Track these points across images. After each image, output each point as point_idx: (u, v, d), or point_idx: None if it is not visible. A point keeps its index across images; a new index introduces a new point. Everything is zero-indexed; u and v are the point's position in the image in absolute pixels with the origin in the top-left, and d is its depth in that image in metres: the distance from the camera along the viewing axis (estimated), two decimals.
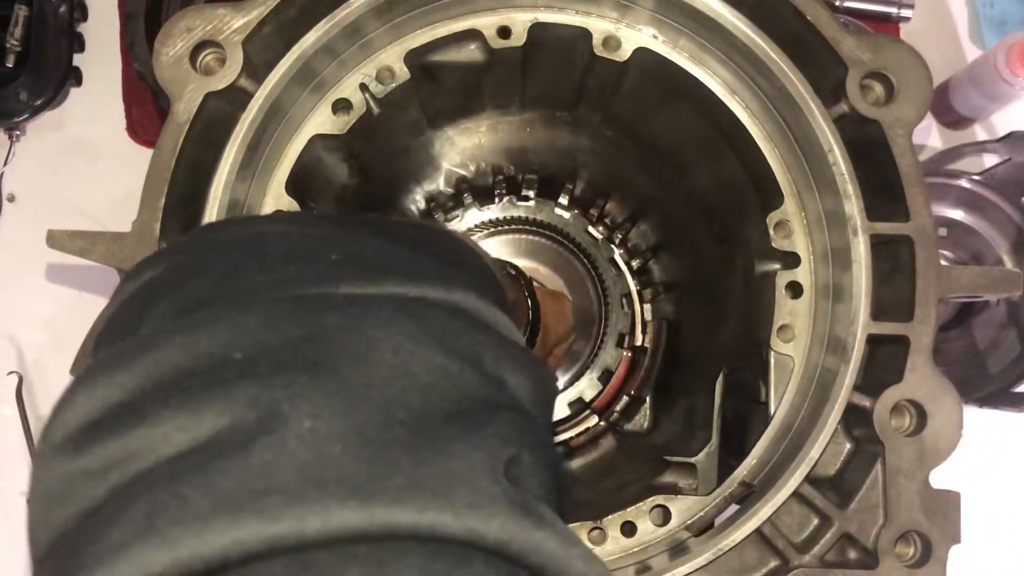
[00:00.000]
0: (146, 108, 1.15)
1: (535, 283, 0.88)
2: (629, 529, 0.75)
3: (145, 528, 0.30)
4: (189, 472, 0.31)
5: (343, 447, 0.32)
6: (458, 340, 0.39)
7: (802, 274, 0.79)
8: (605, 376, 1.08)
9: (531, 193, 1.11)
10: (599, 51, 0.80)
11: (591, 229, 1.11)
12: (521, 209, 1.10)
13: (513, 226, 1.11)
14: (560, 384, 1.08)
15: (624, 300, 1.10)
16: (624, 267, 1.11)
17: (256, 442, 0.32)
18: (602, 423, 1.07)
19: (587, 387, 1.08)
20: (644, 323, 1.10)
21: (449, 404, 0.36)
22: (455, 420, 0.35)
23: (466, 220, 1.10)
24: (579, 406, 1.08)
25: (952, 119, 1.17)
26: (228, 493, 0.30)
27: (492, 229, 1.11)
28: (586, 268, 1.11)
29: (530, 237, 1.12)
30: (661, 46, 0.80)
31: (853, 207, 0.73)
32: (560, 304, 0.95)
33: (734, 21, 0.75)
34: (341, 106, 0.79)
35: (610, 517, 0.75)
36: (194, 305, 0.38)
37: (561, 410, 1.08)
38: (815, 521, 0.72)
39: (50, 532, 0.33)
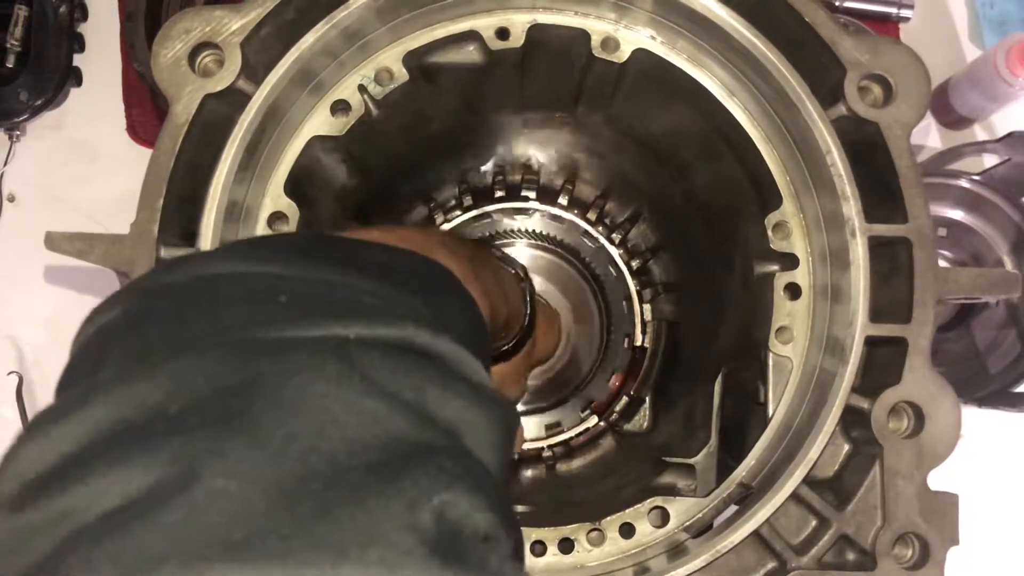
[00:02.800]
0: (146, 108, 1.15)
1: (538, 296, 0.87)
2: (628, 530, 0.75)
3: None
4: (106, 533, 0.31)
5: (253, 505, 0.32)
6: (396, 380, 0.38)
7: (800, 275, 0.79)
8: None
9: (531, 194, 1.11)
10: (598, 52, 0.80)
11: (591, 229, 1.11)
12: (518, 220, 1.11)
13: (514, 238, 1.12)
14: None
15: (625, 304, 1.11)
16: (624, 267, 1.11)
17: (170, 502, 0.32)
18: (602, 423, 1.08)
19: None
20: (644, 323, 1.10)
21: (374, 453, 0.35)
22: (377, 470, 0.34)
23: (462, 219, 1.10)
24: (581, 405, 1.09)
25: (952, 119, 1.17)
26: (131, 557, 0.30)
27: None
28: (590, 285, 1.12)
29: (535, 252, 1.12)
30: (659, 47, 0.80)
31: (851, 208, 0.73)
32: (554, 322, 0.96)
33: (732, 23, 0.75)
34: (340, 107, 0.79)
35: (609, 518, 0.75)
36: (144, 353, 0.39)
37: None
38: (813, 523, 0.72)
39: None
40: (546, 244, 1.11)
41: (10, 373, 1.03)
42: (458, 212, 1.10)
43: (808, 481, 0.70)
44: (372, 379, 0.37)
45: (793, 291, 0.78)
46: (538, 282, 1.08)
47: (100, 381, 0.37)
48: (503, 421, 0.43)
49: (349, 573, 0.31)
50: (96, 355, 0.40)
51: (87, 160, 1.16)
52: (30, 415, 0.97)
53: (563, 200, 1.11)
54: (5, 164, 1.15)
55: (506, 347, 0.79)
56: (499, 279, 0.73)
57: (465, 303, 0.54)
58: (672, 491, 0.81)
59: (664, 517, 0.76)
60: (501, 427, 0.43)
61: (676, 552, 0.72)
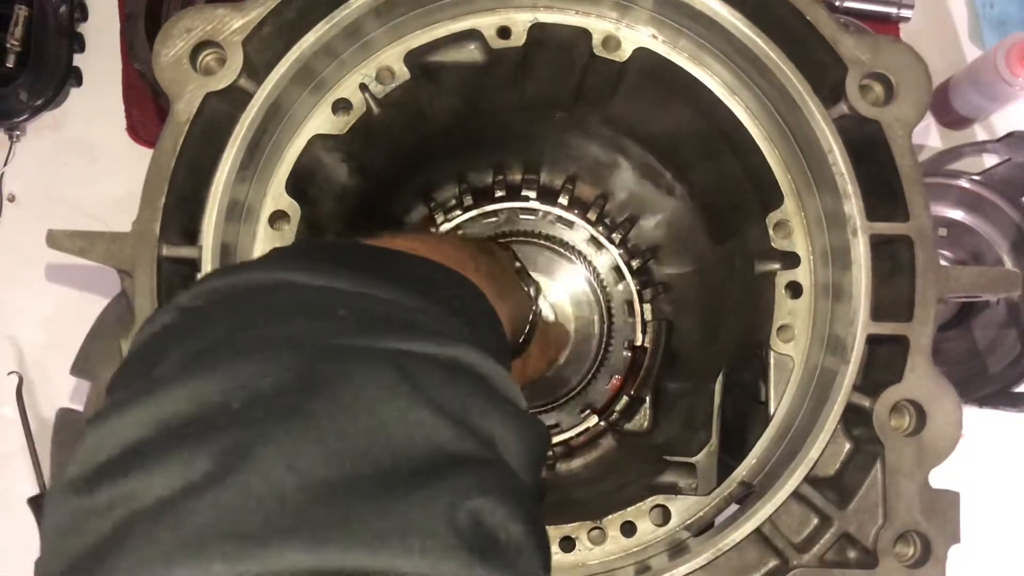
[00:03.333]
0: (146, 108, 1.15)
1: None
2: (629, 529, 0.75)
3: (133, 564, 0.33)
4: (168, 511, 0.33)
5: (305, 494, 0.34)
6: (444, 393, 0.40)
7: (802, 274, 0.79)
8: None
9: (531, 194, 1.11)
10: (599, 51, 0.80)
11: (591, 229, 1.11)
12: (520, 222, 1.11)
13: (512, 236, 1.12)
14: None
15: (625, 304, 1.11)
16: (624, 267, 1.11)
17: (226, 485, 0.34)
18: (602, 423, 1.08)
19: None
20: (644, 323, 1.11)
21: (418, 459, 0.37)
22: (422, 472, 0.36)
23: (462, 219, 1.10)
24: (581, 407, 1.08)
25: (952, 119, 1.17)
26: (194, 533, 0.33)
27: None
28: (590, 285, 1.12)
29: (535, 250, 1.12)
30: (661, 46, 0.80)
31: (853, 207, 0.73)
32: (548, 348, 1.00)
33: (734, 21, 0.75)
34: (341, 106, 0.79)
35: (610, 517, 0.75)
36: (204, 353, 0.40)
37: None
38: (815, 521, 0.72)
39: (64, 561, 0.35)
40: (546, 243, 1.11)
41: (10, 373, 1.03)
42: (458, 212, 1.10)
43: (809, 479, 0.70)
44: (423, 389, 0.39)
45: (794, 290, 0.79)
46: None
47: (161, 377, 0.39)
48: (538, 440, 0.45)
49: (388, 558, 0.33)
50: (155, 354, 0.42)
51: (87, 160, 1.16)
52: (30, 415, 0.97)
53: (563, 200, 1.11)
54: (5, 164, 1.14)
55: None
56: (516, 299, 0.76)
57: (495, 326, 0.57)
58: (673, 490, 0.81)
59: (665, 516, 0.76)
60: (536, 445, 0.45)
61: (677, 550, 0.72)
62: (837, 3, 1.13)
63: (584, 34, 0.80)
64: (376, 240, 0.58)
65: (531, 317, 0.84)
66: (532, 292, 0.86)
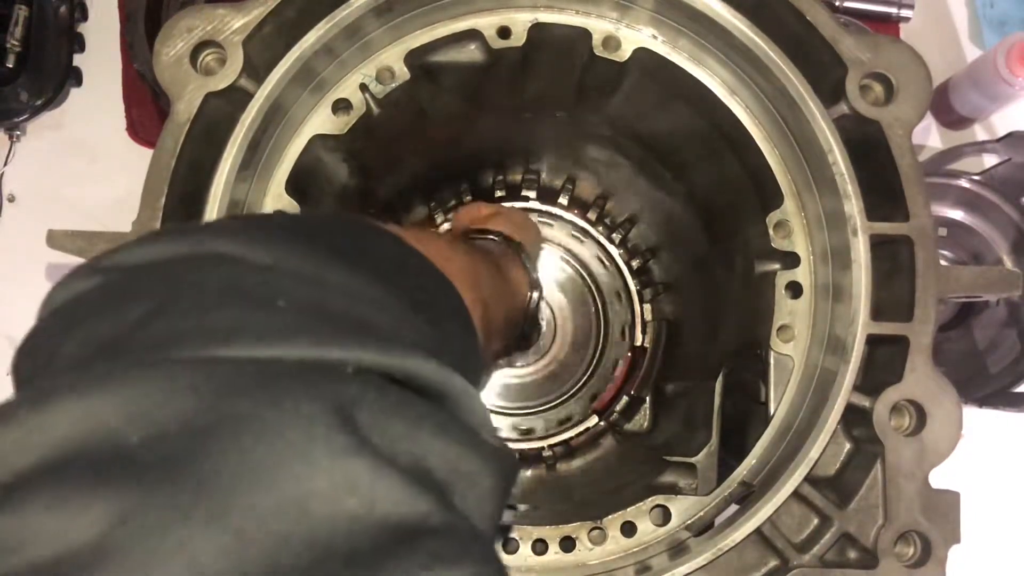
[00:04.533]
0: (146, 108, 1.15)
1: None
2: (629, 529, 0.75)
3: None
4: None
5: None
6: (392, 432, 0.33)
7: (802, 274, 0.79)
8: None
9: (531, 194, 1.11)
10: (599, 51, 0.80)
11: (591, 229, 1.11)
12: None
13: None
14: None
15: (625, 304, 1.11)
16: (624, 267, 1.11)
17: (107, 569, 0.27)
18: (602, 423, 1.08)
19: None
20: (644, 323, 1.11)
21: (357, 540, 0.30)
22: (360, 561, 0.29)
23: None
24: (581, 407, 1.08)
25: (952, 119, 1.17)
26: None
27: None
28: (588, 286, 1.12)
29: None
30: (661, 46, 0.80)
31: (853, 207, 0.73)
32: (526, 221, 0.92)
33: (734, 21, 0.75)
34: (341, 106, 0.79)
35: (610, 517, 0.75)
36: (108, 346, 0.34)
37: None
38: (815, 521, 0.72)
39: None
40: (546, 243, 1.11)
41: (10, 373, 1.03)
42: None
43: (810, 479, 0.70)
44: (365, 432, 0.32)
45: (794, 290, 0.79)
46: None
47: (58, 384, 0.31)
48: (502, 471, 0.38)
49: None
50: (61, 330, 0.36)
51: (87, 160, 1.16)
52: None
53: (563, 200, 1.11)
54: (5, 164, 1.14)
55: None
56: (501, 289, 0.71)
57: (466, 325, 0.51)
58: (673, 490, 0.81)
59: (665, 516, 0.76)
60: (500, 477, 0.38)
61: (678, 551, 0.72)
62: (837, 3, 1.13)
63: (584, 34, 0.80)
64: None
65: (528, 307, 0.80)
66: (532, 280, 0.81)
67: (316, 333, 0.35)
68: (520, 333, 0.82)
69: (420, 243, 0.51)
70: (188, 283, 0.37)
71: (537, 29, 0.79)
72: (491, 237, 0.81)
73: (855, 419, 0.72)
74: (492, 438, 0.39)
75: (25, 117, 1.13)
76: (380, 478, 0.31)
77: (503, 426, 1.09)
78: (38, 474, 0.29)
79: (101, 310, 0.36)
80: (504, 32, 0.79)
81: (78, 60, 1.16)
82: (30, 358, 0.38)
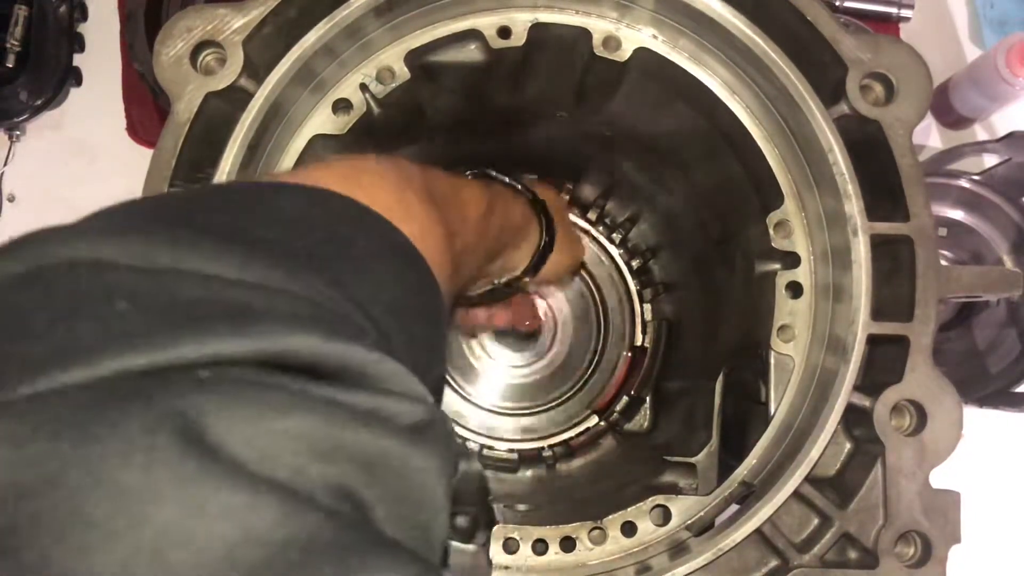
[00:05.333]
0: (146, 108, 1.15)
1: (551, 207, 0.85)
2: (629, 529, 0.75)
3: None
4: None
5: None
6: (257, 436, 0.28)
7: (802, 274, 0.79)
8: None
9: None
10: (599, 51, 0.80)
11: (591, 229, 1.11)
12: None
13: None
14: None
15: (625, 304, 1.11)
16: (624, 267, 1.11)
17: None
18: (602, 423, 1.08)
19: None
20: (644, 323, 1.11)
21: (241, 567, 0.26)
22: None
23: None
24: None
25: (952, 119, 1.17)
26: None
27: None
28: (588, 286, 1.12)
29: None
30: (661, 46, 0.80)
31: (853, 207, 0.73)
32: (573, 236, 0.93)
33: (734, 21, 0.75)
34: (341, 106, 0.79)
35: (610, 517, 0.75)
36: None
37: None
38: (815, 521, 0.72)
39: None
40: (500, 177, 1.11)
41: None
42: None
43: (810, 479, 0.70)
44: (220, 444, 0.27)
45: (795, 290, 0.78)
46: None
47: None
48: (428, 456, 0.33)
49: None
50: None
51: (87, 160, 1.16)
52: None
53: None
54: (5, 164, 1.14)
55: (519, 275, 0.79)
56: (469, 205, 0.63)
57: (404, 258, 0.44)
58: (674, 490, 0.81)
59: (666, 516, 0.76)
60: (426, 463, 0.33)
61: (678, 551, 0.72)
62: (837, 3, 1.13)
63: (584, 34, 0.80)
64: (293, 172, 0.47)
65: (536, 210, 0.78)
66: (519, 186, 0.78)
67: (159, 334, 0.30)
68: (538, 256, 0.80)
69: (354, 179, 0.46)
70: (14, 305, 0.31)
71: (537, 29, 0.79)
72: (505, 181, 0.79)
73: (855, 419, 0.72)
74: (417, 411, 0.33)
75: (25, 117, 1.13)
76: (246, 496, 0.27)
77: (503, 426, 1.09)
78: None
79: None
80: (504, 32, 0.79)
81: (78, 60, 1.16)
82: None
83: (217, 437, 0.27)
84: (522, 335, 1.07)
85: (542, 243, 0.82)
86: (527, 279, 0.82)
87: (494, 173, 0.80)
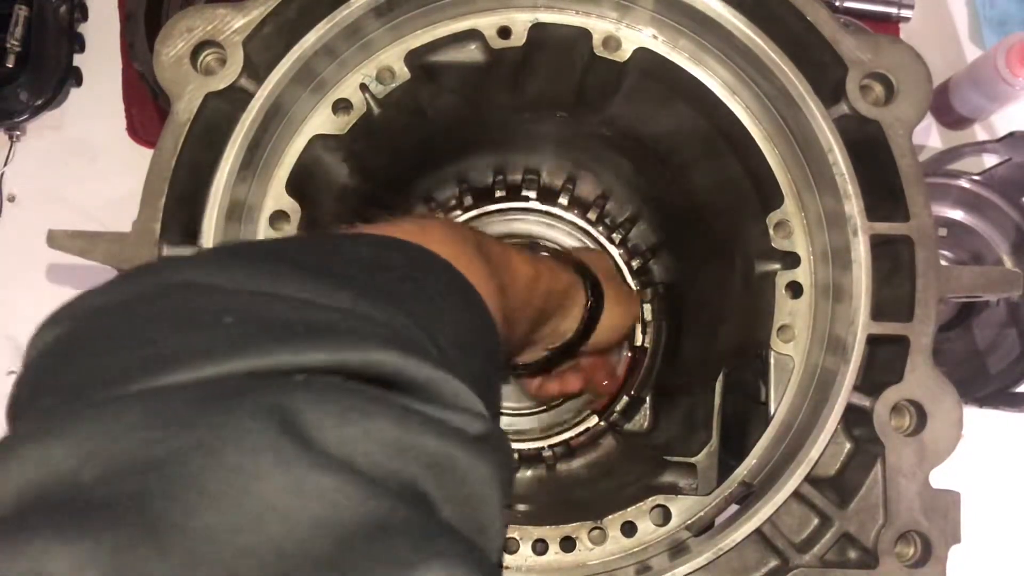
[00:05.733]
0: (146, 108, 1.15)
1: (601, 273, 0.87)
2: (629, 529, 0.75)
3: None
4: None
5: None
6: (348, 435, 0.33)
7: (802, 274, 0.79)
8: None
9: (531, 194, 1.11)
10: (599, 51, 0.80)
11: (591, 229, 1.11)
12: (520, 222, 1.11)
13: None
14: None
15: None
16: (624, 267, 1.11)
17: None
18: (602, 423, 1.08)
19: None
20: (644, 323, 1.11)
21: (321, 542, 0.30)
22: (327, 564, 0.29)
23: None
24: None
25: (952, 119, 1.17)
26: None
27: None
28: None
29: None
30: (661, 46, 0.80)
31: (853, 207, 0.73)
32: (625, 296, 0.95)
33: (734, 21, 0.75)
34: (341, 106, 0.79)
35: (610, 517, 0.75)
36: (69, 391, 0.35)
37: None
38: (815, 521, 0.72)
39: None
40: (546, 243, 1.11)
41: (10, 373, 1.03)
42: (458, 212, 1.10)
43: (810, 479, 0.70)
44: (314, 435, 0.32)
45: (795, 290, 0.78)
46: None
47: (19, 434, 0.32)
48: (488, 465, 0.36)
49: None
50: (33, 386, 0.38)
51: (87, 160, 1.16)
52: None
53: (563, 200, 1.11)
54: (5, 164, 1.14)
55: (562, 344, 0.81)
56: (518, 268, 0.68)
57: (467, 300, 0.49)
58: (674, 490, 0.81)
59: (666, 516, 0.76)
60: (486, 471, 0.36)
61: (678, 551, 0.72)
62: (837, 3, 1.13)
63: (584, 34, 0.80)
64: (364, 227, 0.52)
65: (583, 277, 0.81)
66: (568, 255, 0.80)
67: (262, 343, 0.35)
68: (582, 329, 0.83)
69: (421, 234, 0.51)
70: (142, 318, 0.37)
71: (537, 29, 0.79)
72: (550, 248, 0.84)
73: (855, 419, 0.73)
74: (477, 425, 0.38)
75: (25, 117, 1.13)
76: (334, 479, 0.31)
77: (504, 426, 1.09)
78: (12, 516, 0.29)
79: (60, 362, 0.37)
80: (504, 32, 0.79)
81: (78, 60, 1.16)
82: (13, 408, 0.38)
83: (311, 429, 0.32)
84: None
85: (588, 304, 0.84)
86: (583, 345, 0.86)
87: (541, 242, 0.85)
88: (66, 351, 0.38)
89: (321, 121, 0.79)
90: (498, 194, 1.11)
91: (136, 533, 0.28)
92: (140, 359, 0.34)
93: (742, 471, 0.74)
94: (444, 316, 0.45)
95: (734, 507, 0.75)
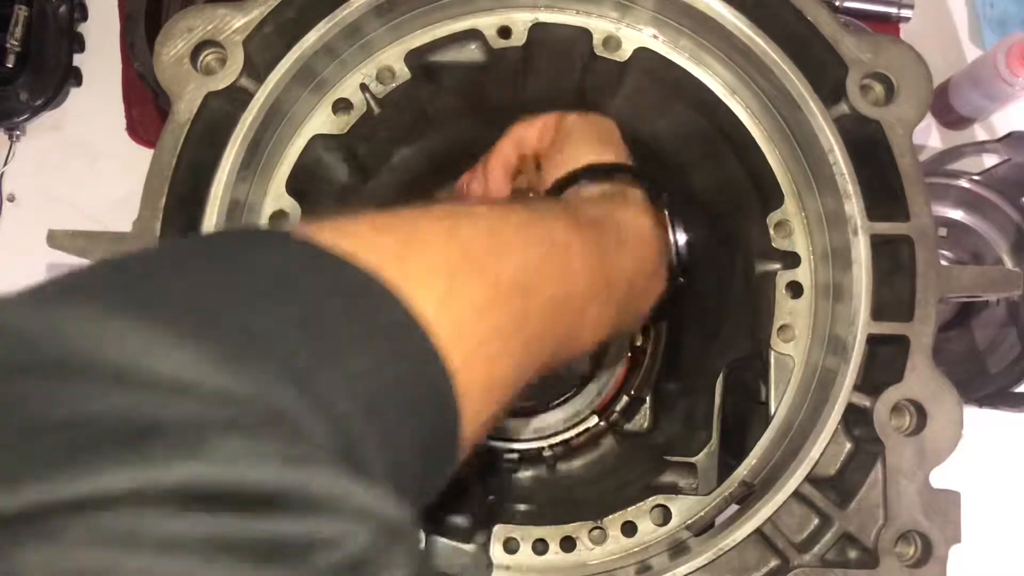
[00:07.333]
0: (146, 108, 1.15)
1: None
2: (629, 529, 0.75)
3: None
4: None
5: None
6: None
7: (802, 274, 0.79)
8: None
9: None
10: (599, 51, 0.80)
11: None
12: None
13: None
14: None
15: None
16: None
17: None
18: (602, 423, 1.07)
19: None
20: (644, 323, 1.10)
21: None
22: None
23: None
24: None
25: (952, 119, 1.17)
26: None
27: None
28: None
29: None
30: (661, 46, 0.80)
31: (853, 207, 0.73)
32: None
33: (734, 21, 0.75)
34: (341, 106, 0.79)
35: (610, 517, 0.75)
36: None
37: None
38: (815, 521, 0.72)
39: None
40: None
41: None
42: None
43: (810, 479, 0.70)
44: None
45: (795, 290, 0.78)
46: None
47: None
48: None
49: None
50: None
51: (87, 160, 1.16)
52: None
53: None
54: (5, 164, 1.14)
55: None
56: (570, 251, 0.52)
57: (400, 339, 0.37)
58: (674, 490, 0.81)
59: (666, 515, 0.76)
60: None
61: (678, 550, 0.72)
62: (837, 3, 1.13)
63: (585, 34, 0.80)
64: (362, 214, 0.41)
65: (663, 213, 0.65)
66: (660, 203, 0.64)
67: (82, 463, 0.25)
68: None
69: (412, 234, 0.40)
70: None
71: (537, 29, 0.79)
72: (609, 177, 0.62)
73: (856, 419, 0.73)
74: (362, 535, 0.28)
75: (25, 117, 1.13)
76: None
77: (503, 426, 1.09)
78: None
79: None
80: (504, 32, 0.79)
81: (78, 60, 1.16)
82: None
83: None
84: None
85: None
86: None
87: None
88: None
89: (321, 121, 0.79)
90: None
91: None
92: None
93: (742, 471, 0.74)
94: (354, 368, 0.34)
95: (734, 507, 0.75)
